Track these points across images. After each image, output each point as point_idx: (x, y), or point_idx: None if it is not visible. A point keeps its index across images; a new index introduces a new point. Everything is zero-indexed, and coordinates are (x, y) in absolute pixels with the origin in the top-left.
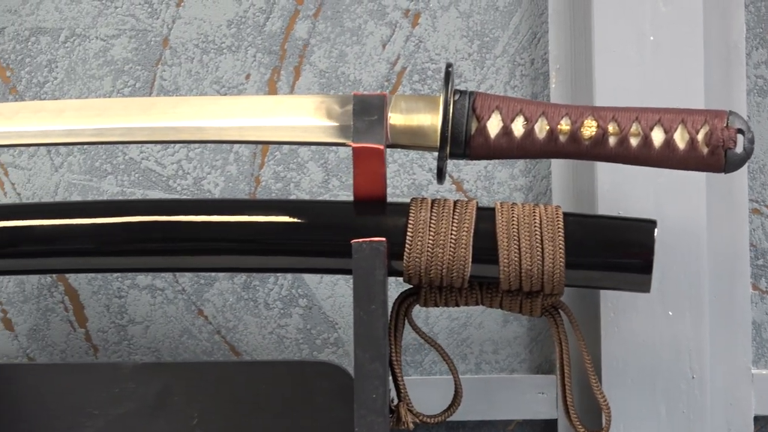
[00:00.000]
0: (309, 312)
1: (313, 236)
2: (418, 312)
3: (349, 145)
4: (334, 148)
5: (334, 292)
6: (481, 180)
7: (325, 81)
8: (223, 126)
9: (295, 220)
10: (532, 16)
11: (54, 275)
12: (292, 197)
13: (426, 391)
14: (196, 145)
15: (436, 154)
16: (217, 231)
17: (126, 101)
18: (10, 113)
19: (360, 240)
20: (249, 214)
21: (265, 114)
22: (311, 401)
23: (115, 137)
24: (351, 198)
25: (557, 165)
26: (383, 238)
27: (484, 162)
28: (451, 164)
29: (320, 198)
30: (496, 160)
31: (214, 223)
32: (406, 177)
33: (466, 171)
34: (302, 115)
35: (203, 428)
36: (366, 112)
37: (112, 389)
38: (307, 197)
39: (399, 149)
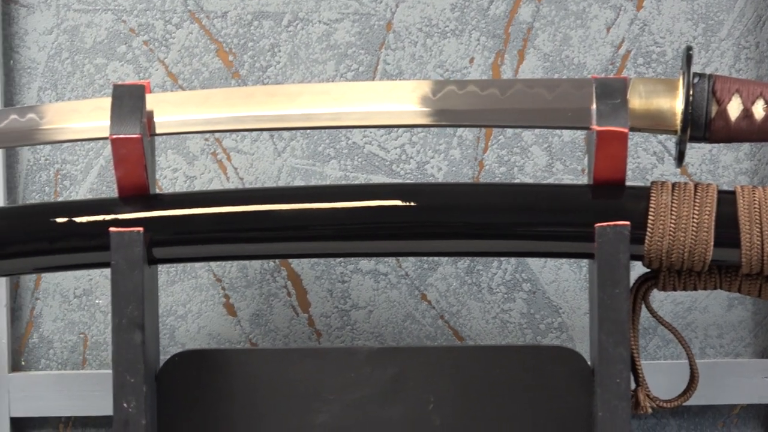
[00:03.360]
0: (533, 297)
1: (550, 220)
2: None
3: (593, 129)
4: (558, 131)
5: (558, 276)
6: (705, 163)
7: (549, 65)
8: (473, 109)
9: (532, 204)
10: None
11: (277, 260)
12: (516, 181)
13: (652, 376)
14: (420, 130)
15: (660, 137)
16: (447, 215)
17: (365, 85)
18: (244, 97)
19: (604, 224)
20: (481, 198)
21: (506, 100)
22: (547, 386)
23: (351, 122)
24: (575, 182)
25: None
26: (627, 222)
27: (708, 145)
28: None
29: (545, 182)
30: (721, 144)
31: (442, 207)
32: (630, 161)
33: (691, 154)
34: (539, 99)
35: (439, 413)
36: (608, 95)
37: (347, 374)
38: (530, 181)
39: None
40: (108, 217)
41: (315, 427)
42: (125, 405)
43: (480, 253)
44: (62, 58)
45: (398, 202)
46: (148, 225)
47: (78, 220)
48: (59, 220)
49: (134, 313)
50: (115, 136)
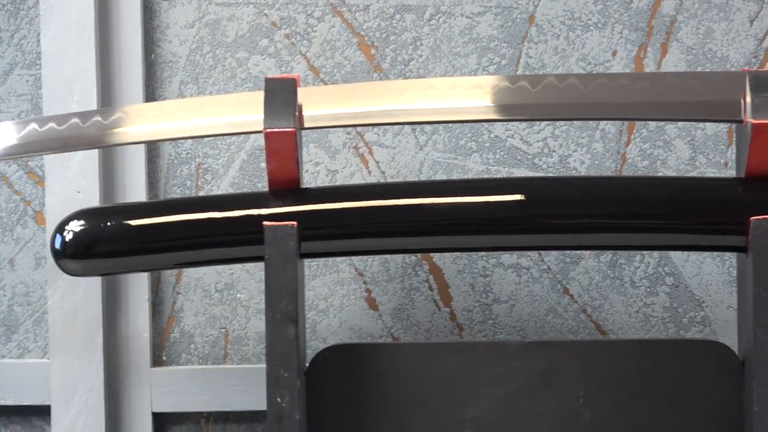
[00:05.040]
0: (675, 290)
1: (699, 213)
2: None
3: (746, 122)
4: (701, 124)
5: (701, 270)
6: None
7: (692, 58)
8: (624, 102)
9: (681, 196)
10: None
11: (419, 254)
12: (659, 175)
13: None
14: (562, 123)
15: None
16: (594, 208)
17: (512, 78)
18: (397, 91)
19: (759, 217)
20: (629, 192)
21: (657, 93)
22: (696, 380)
23: (502, 115)
24: (718, 175)
25: None
26: None
27: None
28: None
29: (689, 175)
30: None
31: (589, 200)
32: None
33: None
34: (690, 91)
35: (588, 407)
36: (762, 88)
37: (497, 368)
38: (673, 174)
39: None
40: (261, 211)
41: (465, 421)
42: (279, 400)
43: (627, 247)
44: (203, 52)
45: (542, 195)
46: (300, 219)
47: (230, 214)
48: (211, 214)
49: (288, 307)
50: (269, 130)
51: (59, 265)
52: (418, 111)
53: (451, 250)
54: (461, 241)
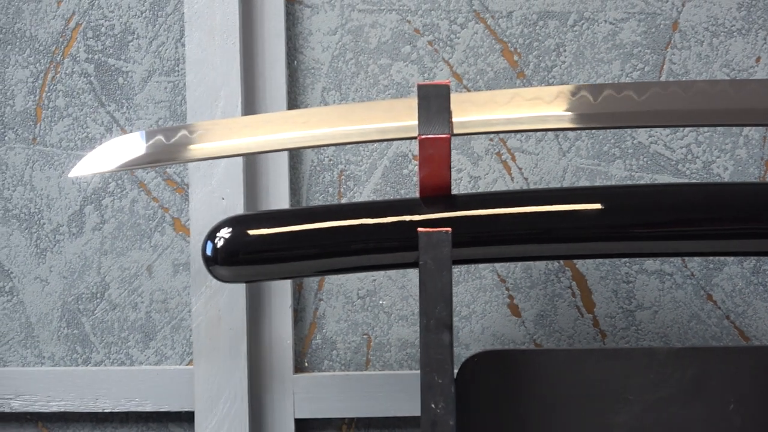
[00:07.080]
0: None
1: None
2: None
3: None
4: None
5: None
6: None
7: None
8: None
9: None
10: None
11: (561, 261)
12: None
13: None
14: (706, 129)
15: None
16: (741, 213)
17: (665, 84)
18: (549, 97)
19: None
20: None
21: None
22: None
23: (651, 122)
24: None
25: None
26: None
27: None
28: None
29: None
30: None
31: (737, 207)
32: None
33: None
34: None
35: (740, 414)
36: None
37: (647, 374)
38: None
39: None
40: (414, 218)
41: (615, 426)
42: (433, 406)
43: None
44: (346, 59)
45: (691, 202)
46: (452, 225)
47: (382, 220)
48: (363, 220)
49: (442, 314)
50: (423, 137)
51: (210, 272)
52: (570, 117)
53: (601, 256)
54: (608, 247)
